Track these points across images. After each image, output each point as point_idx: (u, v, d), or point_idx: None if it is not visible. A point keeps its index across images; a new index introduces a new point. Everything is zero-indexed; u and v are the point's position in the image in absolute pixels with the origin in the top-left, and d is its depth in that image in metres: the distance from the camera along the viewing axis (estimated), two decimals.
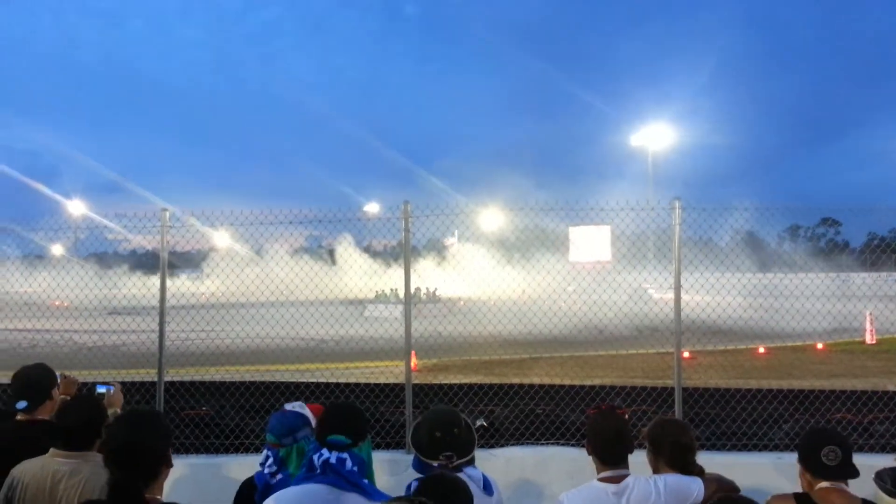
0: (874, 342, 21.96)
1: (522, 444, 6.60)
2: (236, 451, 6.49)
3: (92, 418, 3.12)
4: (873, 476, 4.50)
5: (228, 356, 9.46)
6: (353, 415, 2.79)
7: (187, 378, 10.30)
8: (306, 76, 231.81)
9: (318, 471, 2.58)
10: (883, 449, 6.71)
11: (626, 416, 3.20)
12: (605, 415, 3.10)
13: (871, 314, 22.61)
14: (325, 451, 2.61)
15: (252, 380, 9.56)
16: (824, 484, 2.85)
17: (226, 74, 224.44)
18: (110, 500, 2.27)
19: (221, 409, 8.34)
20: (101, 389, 3.97)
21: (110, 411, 3.51)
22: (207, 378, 10.32)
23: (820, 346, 20.63)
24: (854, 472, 2.85)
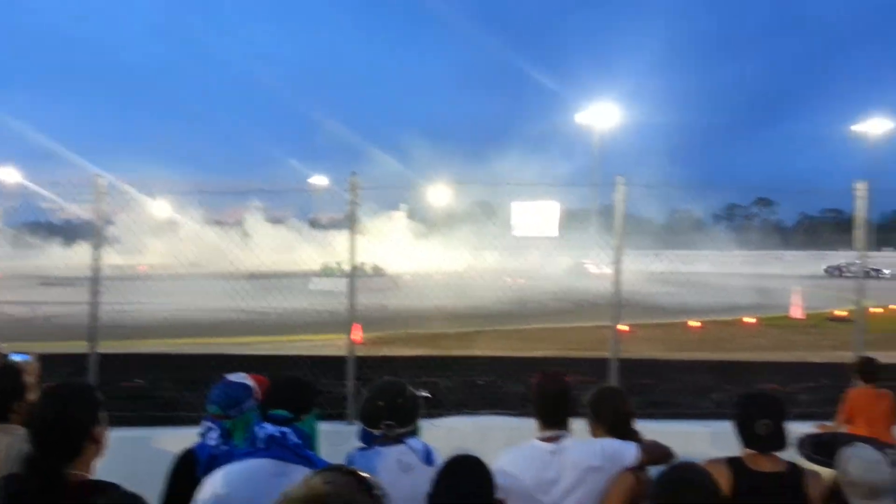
0: (802, 317, 22.98)
1: (464, 413, 6.70)
2: (171, 423, 6.38)
3: (3, 389, 3.04)
4: (795, 443, 4.74)
5: (166, 328, 9.25)
6: (295, 388, 2.79)
7: (122, 350, 10.03)
8: (254, 47, 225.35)
9: (263, 445, 2.57)
10: (805, 417, 7.05)
11: (571, 382, 3.30)
12: (549, 378, 3.23)
13: (799, 290, 23.63)
14: (267, 426, 2.59)
15: (190, 352, 9.37)
16: (753, 450, 2.98)
17: (172, 43, 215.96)
18: (26, 477, 2.18)
19: (156, 381, 8.17)
20: (16, 358, 3.78)
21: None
22: (143, 350, 10.06)
23: (751, 320, 21.50)
24: (783, 444, 2.95)
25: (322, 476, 1.80)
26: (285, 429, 2.60)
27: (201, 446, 2.91)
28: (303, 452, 2.60)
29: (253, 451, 2.59)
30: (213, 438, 2.89)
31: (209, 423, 2.93)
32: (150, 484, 2.98)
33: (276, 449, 2.56)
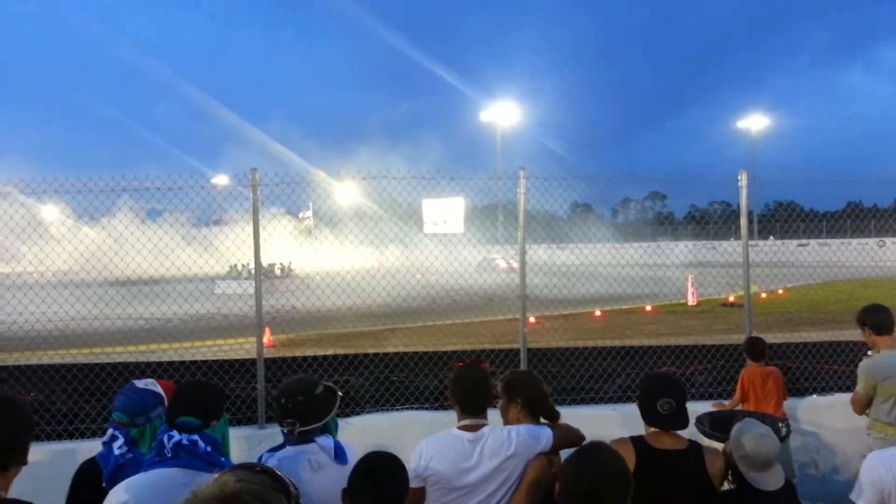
0: (696, 304, 24.31)
1: (378, 410, 6.69)
2: (70, 437, 6.04)
3: None
4: (694, 421, 5.01)
5: (59, 338, 8.70)
6: (203, 394, 2.70)
7: (13, 363, 9.36)
8: (143, 36, 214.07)
9: (170, 454, 2.47)
10: (702, 397, 7.48)
11: (489, 370, 3.37)
12: (469, 367, 3.30)
13: (692, 278, 25.00)
14: (175, 434, 2.50)
15: (86, 362, 8.85)
16: (656, 428, 3.12)
17: (52, 31, 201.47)
18: None
19: (52, 394, 7.69)
20: None
21: None
22: (34, 362, 9.43)
23: (648, 308, 22.55)
24: (684, 423, 3.09)
25: (234, 474, 1.74)
26: (194, 436, 2.52)
27: (104, 455, 2.78)
28: (215, 460, 2.53)
29: (160, 459, 2.48)
30: (119, 447, 2.76)
31: (114, 431, 2.80)
32: (54, 501, 2.81)
33: (185, 457, 2.48)
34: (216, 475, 1.82)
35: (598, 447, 2.45)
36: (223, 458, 2.61)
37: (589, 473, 2.28)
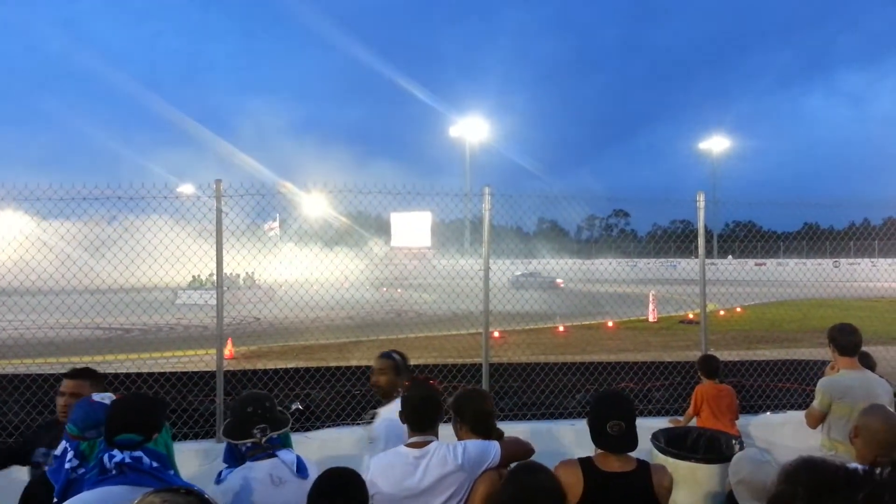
0: (656, 320, 24.71)
1: (339, 425, 6.67)
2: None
3: None
4: (650, 437, 5.09)
5: (13, 348, 8.47)
6: (141, 408, 2.63)
7: None
8: (113, 44, 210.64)
9: (115, 472, 2.43)
10: (659, 413, 7.59)
11: (438, 388, 3.39)
12: (416, 385, 3.31)
13: (653, 295, 25.43)
14: (116, 452, 2.45)
15: (41, 372, 8.60)
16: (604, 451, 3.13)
17: (17, 36, 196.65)
18: None
19: (4, 405, 7.48)
20: None
21: None
22: None
23: (610, 324, 22.87)
24: (633, 445, 3.02)
25: (159, 495, 1.75)
26: (137, 453, 2.48)
27: (54, 470, 2.73)
28: (162, 475, 2.49)
29: (104, 477, 2.44)
30: (69, 460, 2.73)
31: (66, 444, 2.76)
32: None
33: (131, 474, 2.44)
34: (144, 493, 1.82)
35: (531, 467, 2.47)
36: (170, 473, 2.56)
37: (522, 493, 2.32)
